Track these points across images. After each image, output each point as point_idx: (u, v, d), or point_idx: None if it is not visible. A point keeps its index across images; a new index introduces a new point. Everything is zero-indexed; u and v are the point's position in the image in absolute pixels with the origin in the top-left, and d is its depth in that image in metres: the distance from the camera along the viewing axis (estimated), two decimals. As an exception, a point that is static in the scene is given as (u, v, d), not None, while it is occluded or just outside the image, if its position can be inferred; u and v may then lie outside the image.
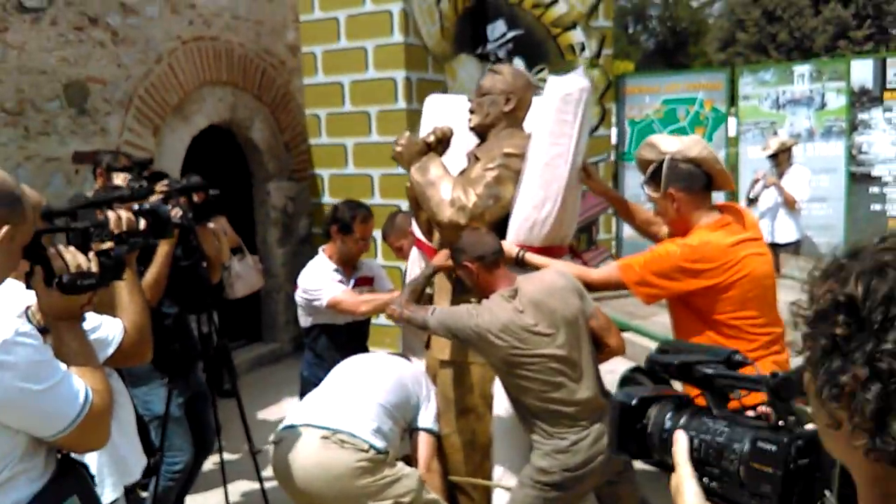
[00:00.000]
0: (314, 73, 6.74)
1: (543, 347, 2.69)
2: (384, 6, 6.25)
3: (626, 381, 1.39)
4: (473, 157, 3.29)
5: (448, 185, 3.11)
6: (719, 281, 2.69)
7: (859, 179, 7.09)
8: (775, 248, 6.39)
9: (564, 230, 3.27)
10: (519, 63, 7.28)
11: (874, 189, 7.04)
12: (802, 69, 7.26)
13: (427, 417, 3.23)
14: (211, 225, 3.88)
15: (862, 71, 6.99)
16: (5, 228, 1.56)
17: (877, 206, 7.05)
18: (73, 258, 1.70)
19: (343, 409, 2.98)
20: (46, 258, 1.67)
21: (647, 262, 2.80)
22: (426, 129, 3.41)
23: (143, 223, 2.66)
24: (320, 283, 3.75)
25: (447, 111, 3.57)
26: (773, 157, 6.49)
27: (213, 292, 3.86)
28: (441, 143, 3.30)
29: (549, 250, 3.17)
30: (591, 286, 2.93)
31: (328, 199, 6.80)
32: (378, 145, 6.34)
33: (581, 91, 3.10)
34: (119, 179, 4.16)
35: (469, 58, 7.08)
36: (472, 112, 3.31)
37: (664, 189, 2.80)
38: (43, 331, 1.78)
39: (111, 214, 2.40)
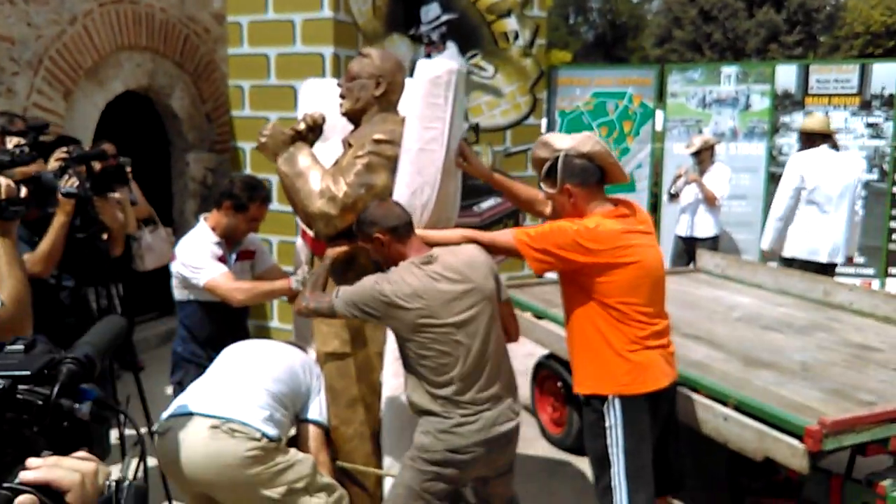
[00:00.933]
0: (239, 44, 6.52)
1: (452, 317, 2.65)
2: (314, -21, 6.08)
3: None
4: (347, 145, 3.19)
5: (317, 174, 3.01)
6: (610, 261, 2.73)
7: (778, 179, 7.24)
8: (693, 241, 6.50)
9: (447, 213, 3.21)
10: (452, 48, 7.20)
11: (791, 190, 7.22)
12: (730, 70, 7.38)
13: (315, 409, 3.14)
14: (116, 195, 3.68)
15: (787, 76, 7.15)
16: None
17: (793, 207, 7.22)
18: None
19: (232, 397, 2.86)
20: None
21: (543, 233, 2.82)
22: (302, 113, 3.31)
23: (24, 191, 2.51)
24: (201, 260, 3.49)
25: (325, 96, 3.43)
26: (696, 154, 6.58)
27: (113, 265, 3.68)
28: (312, 131, 3.19)
29: None
30: (482, 245, 2.92)
31: (249, 172, 6.60)
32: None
33: (449, 73, 3.02)
34: (11, 144, 3.94)
35: (401, 38, 6.96)
36: (342, 98, 3.20)
37: (560, 185, 2.85)
38: None
39: (-9, 180, 2.24)
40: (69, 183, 3.37)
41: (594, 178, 2.86)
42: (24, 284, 2.11)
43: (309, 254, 3.40)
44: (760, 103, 7.27)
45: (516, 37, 7.44)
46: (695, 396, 3.22)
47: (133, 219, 4.46)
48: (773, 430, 2.87)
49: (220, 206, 3.66)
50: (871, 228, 6.83)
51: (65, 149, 4.07)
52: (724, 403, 3.12)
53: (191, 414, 2.79)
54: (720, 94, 7.40)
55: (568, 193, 2.85)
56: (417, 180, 2.98)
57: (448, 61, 3.06)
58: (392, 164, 3.01)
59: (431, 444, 2.67)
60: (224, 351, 3.22)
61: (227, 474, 2.70)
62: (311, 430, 3.11)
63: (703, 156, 6.61)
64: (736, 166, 6.88)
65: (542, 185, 2.94)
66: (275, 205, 6.37)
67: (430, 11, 7.15)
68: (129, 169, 4.72)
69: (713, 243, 6.67)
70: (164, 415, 2.91)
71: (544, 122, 7.92)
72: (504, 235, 2.95)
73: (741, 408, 3.04)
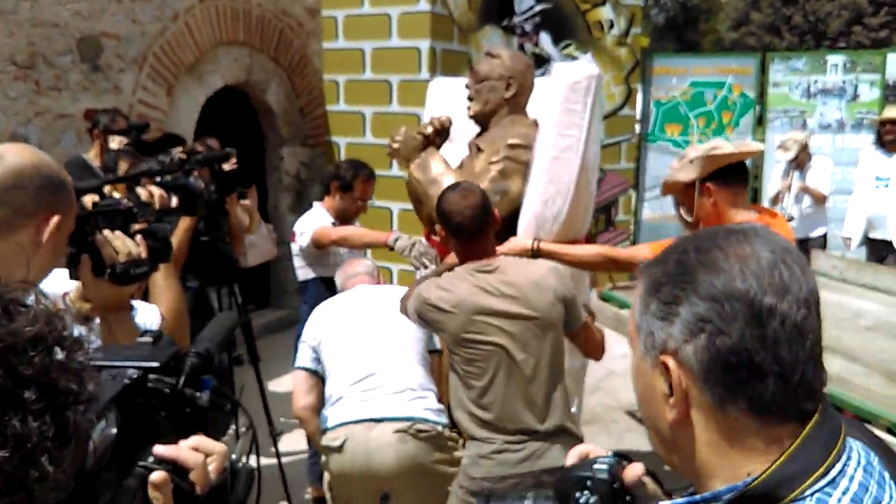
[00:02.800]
0: (334, 38, 6.51)
1: (497, 336, 2.39)
2: (411, -29, 6.01)
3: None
4: (475, 148, 3.10)
5: (451, 181, 2.88)
6: None
7: (888, 174, 6.91)
8: (805, 242, 6.22)
9: (578, 224, 3.10)
10: (545, 39, 7.05)
11: (903, 185, 6.86)
12: (836, 59, 7.04)
13: (435, 339, 2.97)
14: (246, 202, 3.77)
15: (899, 64, 6.80)
16: (55, 219, 1.40)
17: (906, 203, 6.87)
18: (123, 244, 1.55)
19: (399, 388, 2.74)
20: (94, 245, 1.51)
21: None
22: (429, 115, 3.23)
23: (174, 201, 2.50)
24: (315, 225, 3.67)
25: (452, 96, 3.35)
26: (794, 158, 6.27)
27: (232, 265, 3.70)
28: (440, 135, 3.12)
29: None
30: (617, 263, 2.77)
31: (344, 168, 6.61)
32: (398, 116, 6.14)
33: (589, 79, 2.91)
34: (115, 143, 3.98)
35: (495, 29, 6.85)
36: (470, 100, 3.11)
37: (700, 182, 2.60)
38: (85, 319, 1.63)
39: (142, 192, 2.23)
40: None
41: (739, 178, 2.62)
42: (182, 297, 2.09)
43: (435, 255, 3.34)
44: (870, 94, 6.92)
45: (611, 26, 7.25)
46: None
47: (257, 220, 4.49)
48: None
49: (328, 190, 3.86)
50: None
51: (181, 149, 4.10)
52: (869, 423, 2.95)
53: (368, 421, 2.69)
54: (826, 84, 7.08)
55: (708, 192, 2.59)
56: (550, 190, 2.89)
57: (588, 65, 2.94)
58: (526, 169, 2.93)
59: (472, 470, 2.45)
60: (341, 316, 3.02)
61: (424, 482, 2.68)
62: (435, 359, 2.98)
63: (801, 157, 6.29)
64: (842, 160, 6.57)
65: (679, 210, 2.71)
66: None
67: (524, 2, 7.01)
68: (234, 160, 4.77)
69: (823, 241, 6.38)
70: (330, 422, 2.78)
71: (638, 111, 7.72)
72: (640, 252, 2.74)
73: (894, 430, 2.86)
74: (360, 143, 6.46)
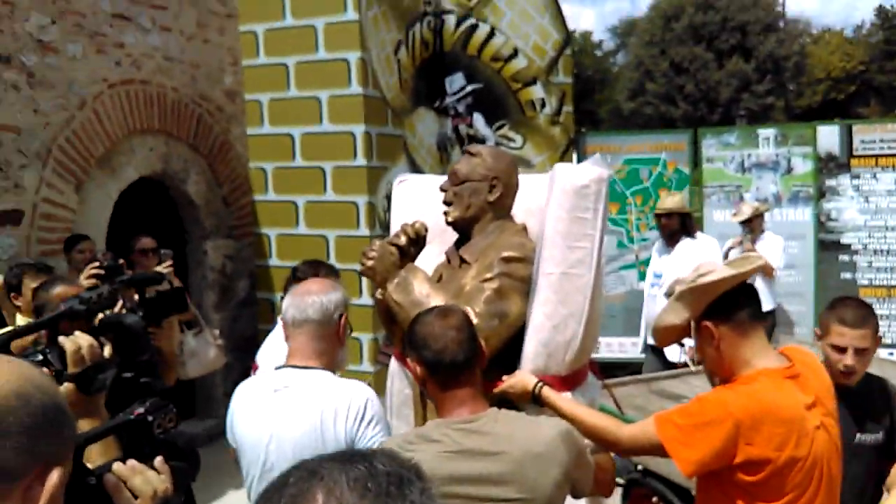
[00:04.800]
0: (259, 123, 6.08)
1: None
2: (340, 54, 5.68)
3: None
4: (458, 260, 2.70)
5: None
6: (773, 456, 1.93)
7: (828, 247, 6.91)
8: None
9: (589, 350, 2.70)
10: (479, 119, 6.83)
11: (844, 257, 6.87)
12: (767, 133, 7.06)
13: None
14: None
15: (828, 137, 6.85)
16: (54, 475, 0.94)
17: (847, 275, 6.87)
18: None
19: None
20: None
21: (692, 416, 1.98)
22: (398, 220, 2.84)
23: (107, 350, 2.00)
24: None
25: (420, 195, 2.99)
26: (747, 222, 6.20)
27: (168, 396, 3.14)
28: (415, 244, 2.70)
29: (576, 374, 2.63)
30: (618, 447, 2.13)
31: (276, 261, 6.11)
32: (334, 204, 5.73)
33: (599, 182, 2.55)
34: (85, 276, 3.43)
35: (427, 111, 6.59)
36: (448, 204, 2.73)
37: (696, 323, 2.09)
38: None
39: (67, 344, 1.74)
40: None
41: (743, 308, 2.04)
42: None
43: (408, 387, 2.88)
44: (803, 166, 6.95)
45: (543, 104, 7.09)
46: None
47: (177, 333, 3.93)
48: None
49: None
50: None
51: (96, 263, 3.55)
52: None
53: None
54: (759, 158, 7.08)
55: (709, 334, 2.05)
56: (561, 312, 2.49)
57: (595, 167, 2.59)
58: (526, 286, 2.53)
59: None
60: None
61: None
62: None
63: (754, 224, 6.23)
64: (782, 233, 6.51)
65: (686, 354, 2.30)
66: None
67: (455, 82, 6.80)
68: (170, 263, 4.22)
69: (772, 318, 6.25)
70: None
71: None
72: (646, 430, 2.03)
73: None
74: (292, 233, 5.99)
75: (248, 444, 2.21)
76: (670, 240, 5.72)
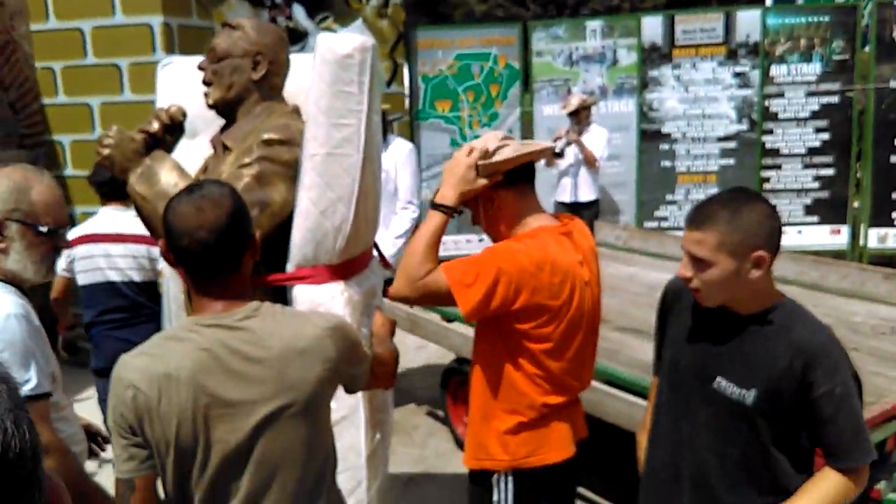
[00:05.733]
0: (44, 18, 5.42)
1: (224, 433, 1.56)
2: (132, -66, 5.10)
3: None
4: (221, 146, 2.44)
5: None
6: (545, 302, 1.99)
7: (650, 137, 7.05)
8: (578, 207, 6.16)
9: (366, 233, 2.50)
10: (299, 11, 6.41)
11: (664, 146, 7.04)
12: (595, 25, 7.02)
13: None
14: None
15: (653, 28, 6.89)
16: None
17: (666, 163, 7.06)
18: None
19: None
20: None
21: (478, 263, 1.98)
22: (162, 105, 2.54)
23: None
24: None
25: (191, 79, 2.61)
26: (574, 114, 6.21)
27: None
28: (171, 132, 2.41)
29: (350, 263, 2.45)
30: (414, 295, 2.02)
31: (71, 170, 5.58)
32: (133, 105, 5.25)
33: (363, 51, 2.30)
34: None
35: (240, 2, 6.09)
36: (207, 84, 2.44)
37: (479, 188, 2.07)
38: None
39: None
40: None
41: (524, 174, 2.10)
42: None
43: (181, 290, 2.63)
44: (628, 58, 6.99)
45: (368, -4, 6.73)
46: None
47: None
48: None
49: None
50: (743, 179, 6.77)
51: None
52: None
53: None
54: (587, 51, 7.06)
55: (490, 201, 2.09)
56: (328, 196, 2.28)
57: (358, 35, 2.34)
58: (292, 171, 2.30)
59: None
60: None
61: None
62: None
63: (581, 116, 6.25)
64: (608, 125, 6.58)
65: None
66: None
67: (271, -29, 6.30)
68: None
69: (595, 207, 6.37)
70: None
71: (406, 88, 7.30)
72: (436, 277, 1.97)
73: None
74: (88, 139, 5.46)
75: None
76: None
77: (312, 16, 6.55)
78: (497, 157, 2.04)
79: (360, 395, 2.39)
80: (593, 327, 2.17)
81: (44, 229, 1.91)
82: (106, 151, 2.28)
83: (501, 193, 2.07)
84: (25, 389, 1.76)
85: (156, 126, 2.37)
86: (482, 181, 2.04)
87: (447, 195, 2.05)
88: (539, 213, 2.12)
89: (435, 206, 2.06)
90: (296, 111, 2.50)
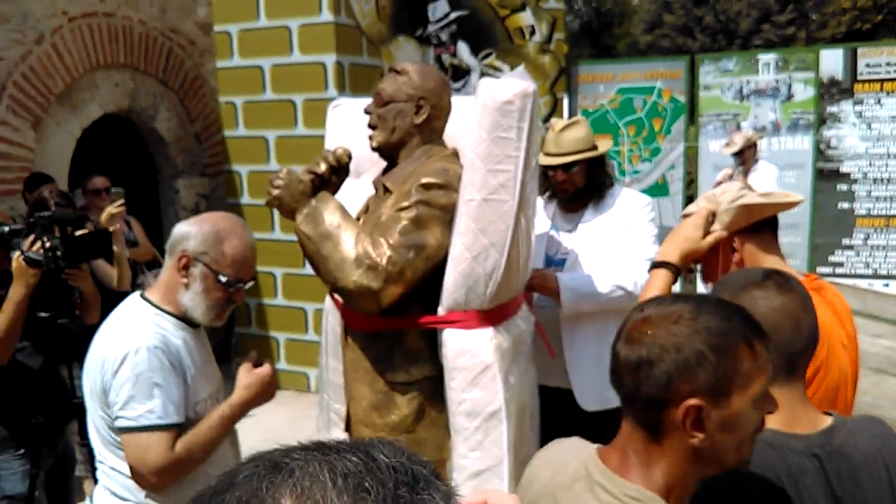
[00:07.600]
0: (229, 56, 5.84)
1: None
2: (311, -21, 5.40)
3: None
4: (382, 188, 2.48)
5: (350, 236, 2.27)
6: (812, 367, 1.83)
7: (827, 176, 6.62)
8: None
9: (517, 281, 2.48)
10: (463, 49, 6.54)
11: (842, 186, 6.59)
12: (768, 58, 6.71)
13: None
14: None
15: (832, 61, 6.50)
16: None
17: (844, 205, 6.60)
18: None
19: None
20: None
21: None
22: (330, 146, 2.62)
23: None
24: None
25: (354, 120, 2.70)
26: (739, 154, 5.93)
27: (82, 342, 3.05)
28: (337, 173, 2.47)
29: (500, 309, 2.42)
30: None
31: (248, 199, 5.94)
32: (305, 138, 5.53)
33: (524, 98, 2.28)
34: None
35: (408, 40, 6.30)
36: (373, 128, 2.49)
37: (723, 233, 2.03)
38: None
39: None
40: (34, 248, 2.70)
41: (769, 223, 2.02)
42: None
43: (339, 324, 2.72)
44: (804, 93, 6.62)
45: (532, 32, 6.78)
46: None
47: (128, 275, 3.83)
48: None
49: None
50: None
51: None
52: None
53: None
54: (759, 84, 6.75)
55: (731, 247, 2.01)
56: (481, 241, 2.28)
57: (519, 81, 2.33)
58: (448, 215, 2.32)
59: None
60: None
61: None
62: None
63: (747, 155, 5.96)
64: (780, 162, 6.24)
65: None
66: (276, 233, 5.74)
67: (438, 9, 6.49)
68: (122, 202, 4.09)
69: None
70: None
71: (566, 123, 7.26)
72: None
73: None
74: (263, 170, 5.81)
75: None
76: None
77: (476, 53, 6.66)
78: (746, 201, 1.96)
79: (505, 446, 2.36)
80: (846, 398, 1.96)
81: (223, 279, 2.02)
82: (276, 192, 2.39)
83: (745, 244, 1.99)
84: (145, 420, 1.86)
85: (323, 167, 2.46)
86: (708, 240, 1.99)
87: (667, 251, 2.02)
88: (784, 267, 1.94)
89: (656, 264, 2.03)
90: (455, 154, 2.53)
